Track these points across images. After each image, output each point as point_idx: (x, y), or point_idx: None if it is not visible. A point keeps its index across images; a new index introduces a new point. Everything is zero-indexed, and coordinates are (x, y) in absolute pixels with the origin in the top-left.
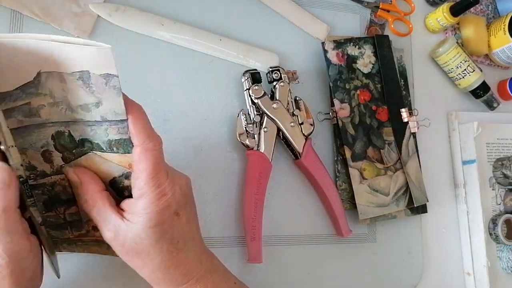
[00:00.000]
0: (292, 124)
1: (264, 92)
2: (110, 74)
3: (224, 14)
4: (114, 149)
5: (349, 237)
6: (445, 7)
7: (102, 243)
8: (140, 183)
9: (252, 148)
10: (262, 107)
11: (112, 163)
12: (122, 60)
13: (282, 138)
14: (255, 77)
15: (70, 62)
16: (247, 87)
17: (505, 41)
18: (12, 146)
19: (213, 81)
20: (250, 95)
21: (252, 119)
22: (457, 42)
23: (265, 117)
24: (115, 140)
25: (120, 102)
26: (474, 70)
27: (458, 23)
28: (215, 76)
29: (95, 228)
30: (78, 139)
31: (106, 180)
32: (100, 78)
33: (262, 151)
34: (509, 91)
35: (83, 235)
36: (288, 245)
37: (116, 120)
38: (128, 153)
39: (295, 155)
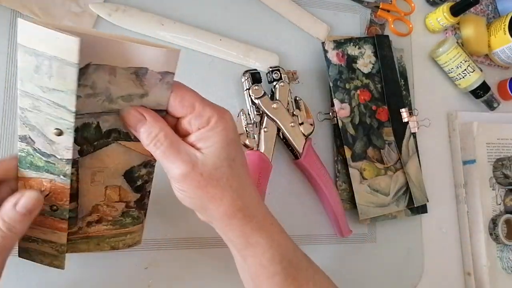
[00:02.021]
0: (292, 124)
1: (264, 92)
2: (168, 72)
3: (224, 14)
4: None
5: (349, 237)
6: (445, 7)
7: (92, 239)
8: (199, 111)
9: (252, 148)
10: (262, 107)
11: (134, 151)
12: None
13: (282, 138)
14: (255, 77)
15: (128, 58)
16: (247, 87)
17: (505, 41)
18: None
19: (213, 81)
20: (250, 95)
21: (252, 119)
22: (457, 42)
23: (265, 117)
24: None
25: (168, 96)
26: (474, 70)
27: (458, 23)
28: (215, 76)
29: (90, 224)
30: (105, 130)
31: (122, 170)
32: (157, 74)
33: (262, 151)
34: (509, 91)
35: (73, 233)
36: None
37: (156, 110)
38: None
39: (295, 155)
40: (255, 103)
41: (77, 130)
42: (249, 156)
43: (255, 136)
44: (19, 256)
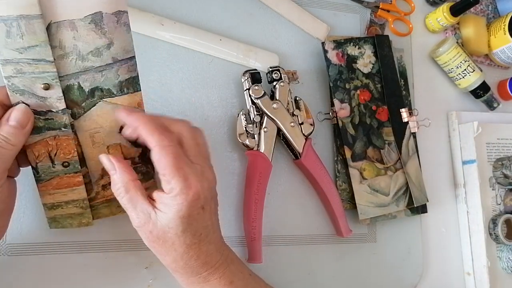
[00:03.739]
0: (292, 124)
1: (264, 92)
2: (121, 11)
3: (224, 14)
4: (125, 90)
5: (349, 237)
6: (445, 7)
7: (113, 202)
8: (168, 179)
9: (252, 148)
10: (262, 107)
11: (122, 106)
12: None
13: (282, 138)
14: (255, 77)
15: (81, 6)
16: (247, 87)
17: (505, 41)
18: None
19: (213, 81)
20: (250, 95)
21: (252, 119)
22: (457, 42)
23: (265, 117)
24: (126, 79)
25: (130, 38)
26: (474, 70)
27: (458, 23)
28: (215, 76)
29: (105, 187)
30: (87, 89)
31: (116, 128)
32: (112, 16)
33: (262, 151)
34: (509, 91)
35: (92, 199)
36: (288, 245)
37: (126, 59)
38: (138, 91)
39: (295, 155)
40: (255, 103)
41: (62, 93)
42: (249, 156)
43: (255, 136)
44: (50, 227)
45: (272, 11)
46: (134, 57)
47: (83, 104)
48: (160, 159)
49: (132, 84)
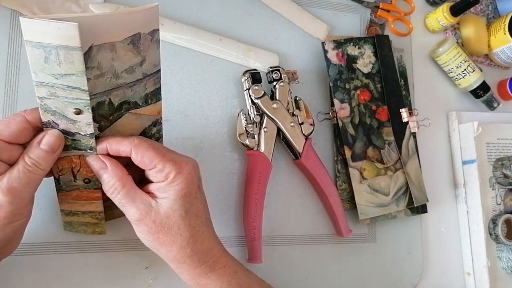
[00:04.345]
0: (292, 124)
1: (264, 92)
2: (155, 30)
3: (224, 14)
4: (149, 101)
5: (349, 237)
6: (445, 7)
7: None
8: (160, 168)
9: (252, 148)
10: (262, 107)
11: (144, 115)
12: None
13: (282, 138)
14: (255, 77)
15: (122, 29)
16: (247, 87)
17: (505, 41)
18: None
19: (213, 81)
20: (250, 95)
21: (252, 119)
22: (457, 42)
23: (265, 117)
24: (151, 92)
25: (159, 53)
26: (474, 70)
27: (458, 23)
28: (215, 76)
29: None
30: (117, 104)
31: (136, 134)
32: (148, 36)
33: (262, 151)
34: (509, 91)
35: (107, 200)
36: (288, 245)
37: (154, 72)
38: (159, 100)
39: (295, 155)
40: (255, 103)
41: (93, 109)
42: (249, 156)
43: (255, 136)
44: (65, 229)
45: (272, 11)
46: (160, 69)
47: (111, 118)
48: (143, 155)
49: (155, 95)
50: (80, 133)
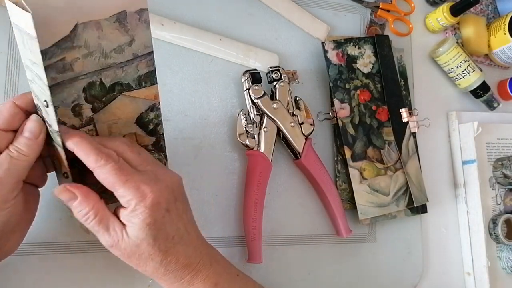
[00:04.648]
0: (292, 124)
1: (264, 92)
2: (142, 9)
3: (224, 14)
4: (143, 83)
5: (349, 237)
6: (445, 7)
7: None
8: (121, 194)
9: (252, 148)
10: (262, 107)
11: (139, 99)
12: None
13: (282, 138)
14: (255, 77)
15: (107, 7)
16: (247, 87)
17: (505, 41)
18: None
19: (213, 81)
20: (250, 95)
21: (252, 119)
22: (457, 42)
23: (265, 117)
24: (144, 74)
25: (149, 34)
26: (474, 70)
27: (458, 23)
28: (215, 76)
29: None
30: (108, 85)
31: (133, 119)
32: (135, 14)
33: (262, 151)
34: (509, 91)
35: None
36: (288, 245)
37: (146, 54)
38: (154, 84)
39: (295, 155)
40: (255, 103)
41: (84, 90)
42: (249, 156)
43: (255, 136)
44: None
45: (272, 11)
46: (152, 52)
47: (104, 99)
48: (105, 178)
49: (149, 78)
50: (50, 127)
